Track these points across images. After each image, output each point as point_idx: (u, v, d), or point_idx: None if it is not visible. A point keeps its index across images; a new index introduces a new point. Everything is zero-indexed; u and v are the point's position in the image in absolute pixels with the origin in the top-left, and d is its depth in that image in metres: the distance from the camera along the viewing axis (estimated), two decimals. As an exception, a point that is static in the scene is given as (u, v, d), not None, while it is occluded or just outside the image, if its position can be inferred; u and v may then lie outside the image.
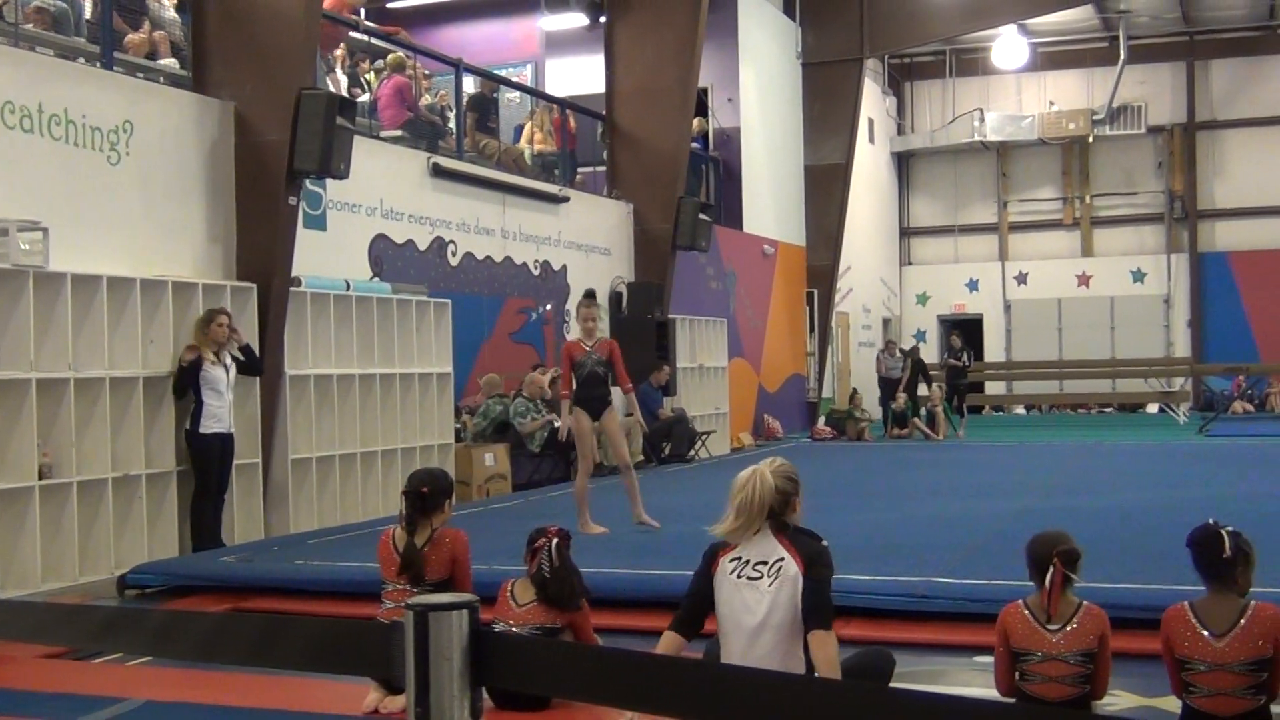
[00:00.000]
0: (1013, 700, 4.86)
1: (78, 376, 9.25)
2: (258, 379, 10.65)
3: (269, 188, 10.81)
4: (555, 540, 5.64)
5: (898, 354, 23.77)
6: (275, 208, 10.82)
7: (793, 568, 4.81)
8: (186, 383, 9.83)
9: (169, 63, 11.11)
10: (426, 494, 5.79)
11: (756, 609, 4.82)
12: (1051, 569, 4.79)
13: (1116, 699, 5.54)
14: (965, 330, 28.23)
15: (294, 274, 11.17)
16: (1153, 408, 27.09)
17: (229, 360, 10.06)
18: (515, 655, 2.57)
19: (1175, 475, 14.24)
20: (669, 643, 4.91)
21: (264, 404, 10.82)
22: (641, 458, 16.02)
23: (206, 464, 9.93)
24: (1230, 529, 4.71)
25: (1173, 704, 4.89)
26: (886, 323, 29.53)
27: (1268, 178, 28.09)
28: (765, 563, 4.85)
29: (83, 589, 8.98)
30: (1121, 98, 27.76)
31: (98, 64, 10.21)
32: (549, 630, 5.56)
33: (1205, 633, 4.59)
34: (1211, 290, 28.56)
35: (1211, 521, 4.76)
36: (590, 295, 10.72)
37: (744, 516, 4.87)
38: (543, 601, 5.62)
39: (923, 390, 22.63)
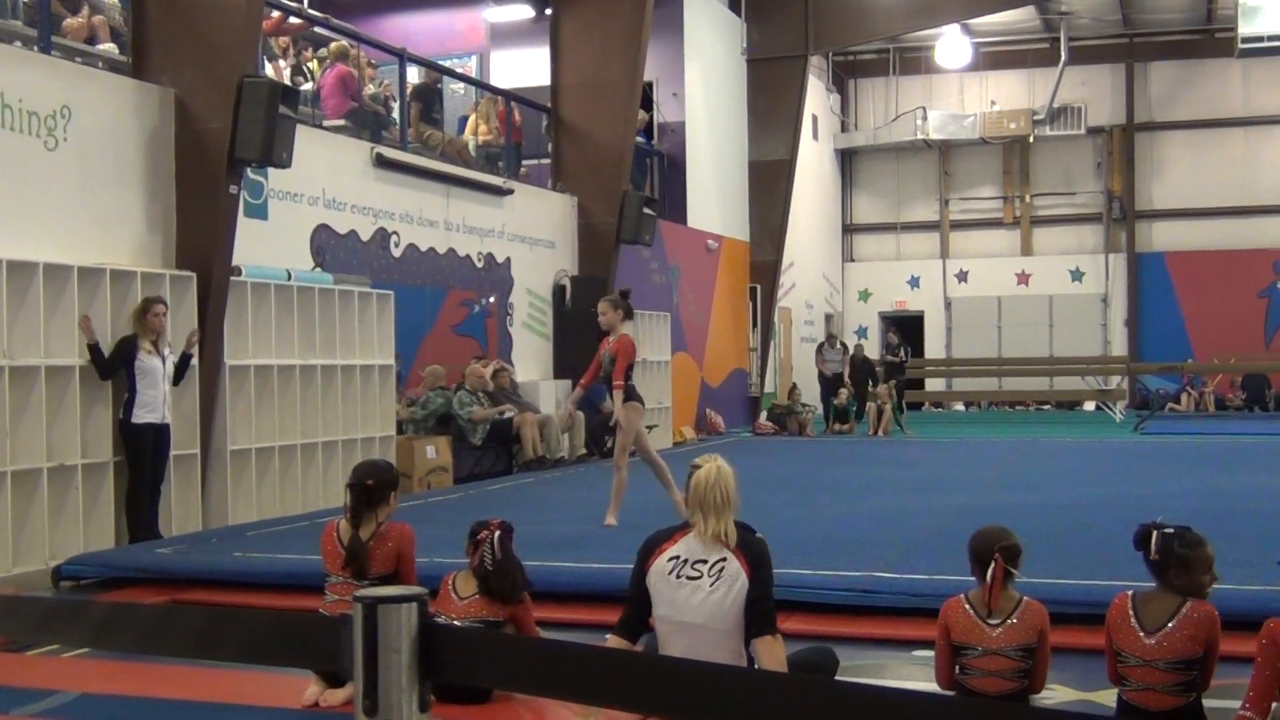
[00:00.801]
0: (953, 694, 4.91)
1: (12, 365, 9.11)
2: (196, 369, 10.55)
3: (209, 176, 10.70)
4: (498, 533, 5.62)
5: (838, 347, 23.90)
6: (216, 196, 10.72)
7: (736, 567, 4.71)
8: (116, 365, 9.71)
9: (108, 48, 10.96)
10: (372, 486, 5.76)
11: (697, 610, 4.72)
12: (993, 564, 4.84)
13: (1054, 693, 5.62)
14: (906, 327, 28.51)
15: (234, 263, 11.06)
16: (1090, 405, 27.42)
17: (166, 351, 9.95)
18: (464, 648, 2.57)
19: (1112, 472, 14.42)
20: (615, 647, 4.86)
21: (203, 394, 10.72)
22: (584, 451, 16.03)
23: (140, 454, 9.82)
24: (1170, 530, 4.75)
25: (1109, 698, 4.97)
26: (829, 319, 29.70)
27: (1204, 180, 28.53)
28: (705, 561, 4.75)
29: (16, 580, 8.86)
30: (1062, 98, 28.09)
31: (35, 48, 10.05)
32: (491, 623, 5.56)
33: (1138, 627, 4.64)
34: (1148, 290, 28.96)
35: (1155, 521, 4.81)
36: (608, 294, 10.71)
37: (721, 516, 4.76)
38: (485, 594, 5.61)
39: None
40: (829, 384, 23.39)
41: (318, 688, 5.60)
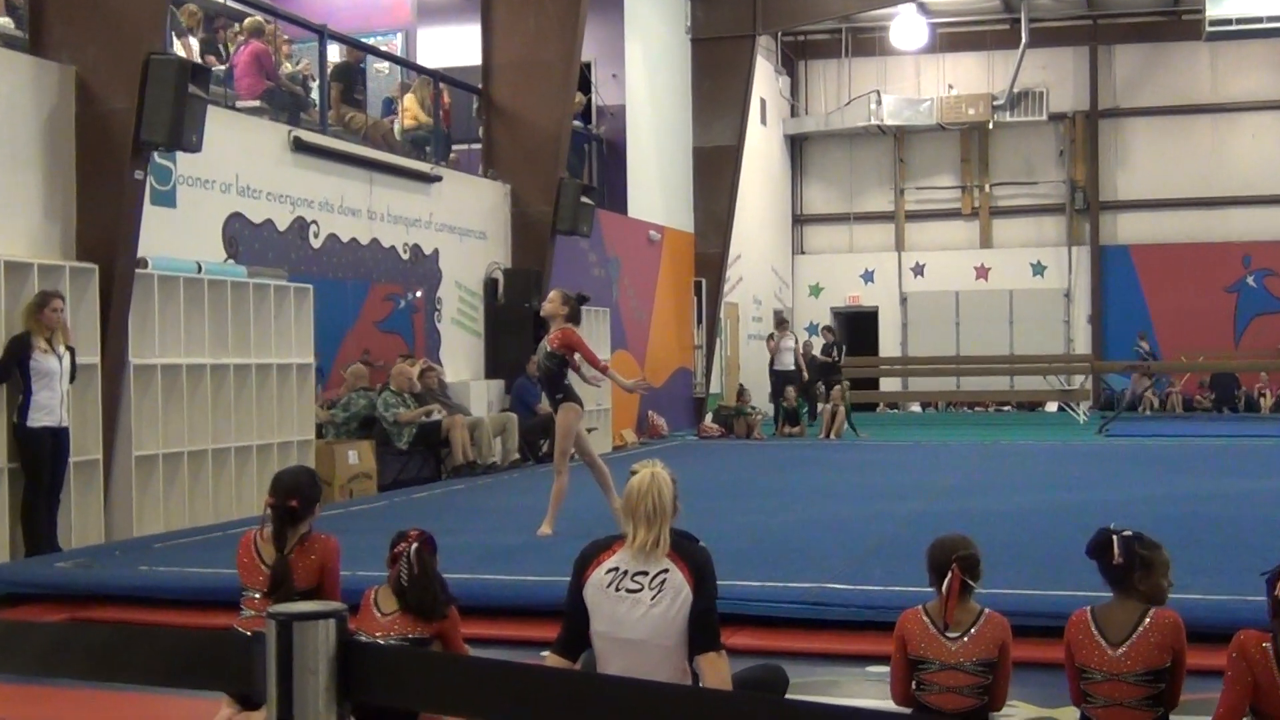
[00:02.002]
0: (909, 711, 4.94)
1: (-103, 364, 8.97)
2: (99, 367, 10.42)
3: (113, 160, 10.57)
4: (415, 545, 5.55)
5: (790, 336, 23.79)
6: (119, 182, 10.59)
7: (678, 579, 4.69)
8: (9, 366, 9.57)
9: (3, 22, 10.84)
10: (296, 508, 5.72)
11: (637, 625, 4.69)
12: (949, 575, 4.87)
13: (1015, 710, 5.66)
14: (859, 324, 28.67)
15: (140, 255, 10.94)
16: (1052, 406, 27.69)
17: (62, 350, 9.82)
18: (386, 668, 2.55)
19: (1076, 477, 14.57)
20: (553, 666, 4.84)
21: (105, 396, 10.59)
22: (517, 456, 16.00)
23: (36, 460, 9.68)
24: (1128, 533, 4.80)
25: (1072, 715, 5.01)
26: (778, 314, 29.81)
27: (1171, 169, 28.90)
28: (646, 573, 4.72)
29: (-99, 598, 8.71)
30: (1022, 83, 28.33)
31: (-78, 21, 9.91)
32: (417, 641, 5.51)
33: (1102, 641, 4.68)
34: (1113, 285, 29.30)
35: (1110, 526, 4.85)
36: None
37: (654, 526, 4.72)
38: (405, 611, 5.57)
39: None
40: (780, 379, 23.39)
41: (230, 710, 5.54)
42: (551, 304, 10.32)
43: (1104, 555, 4.77)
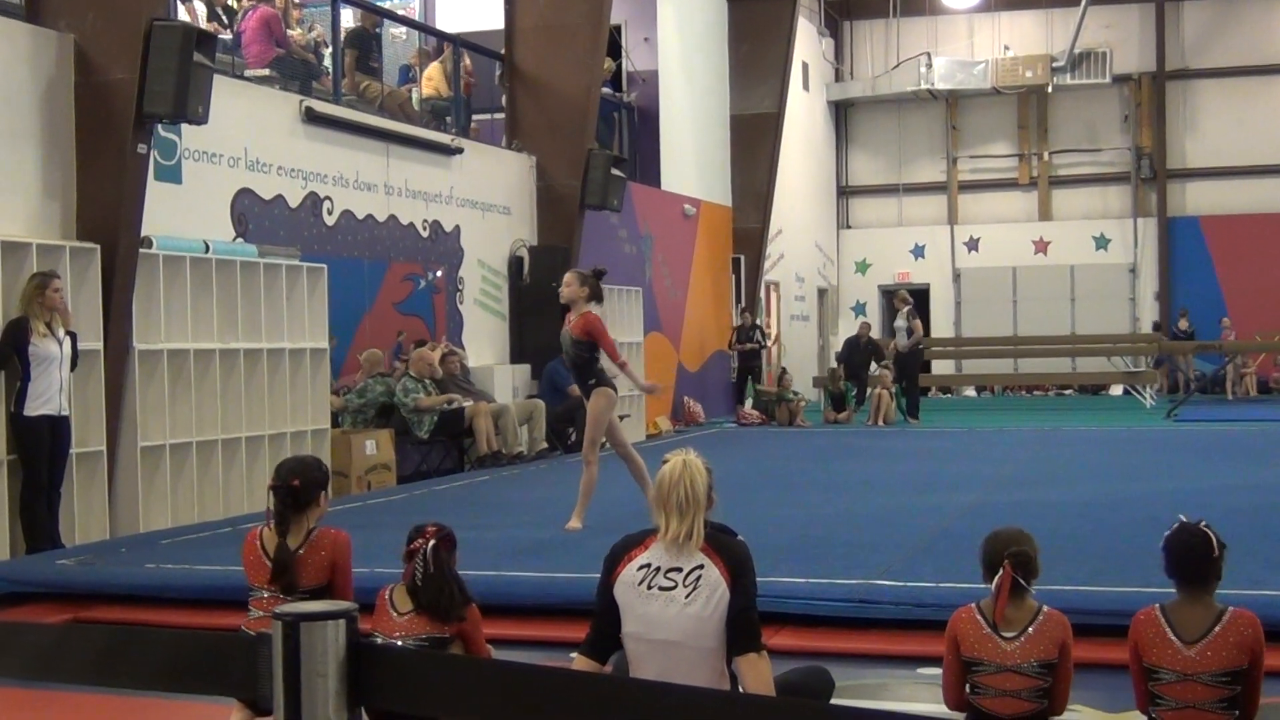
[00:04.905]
0: (963, 716, 4.91)
1: (-111, 351, 9.04)
2: (101, 353, 10.47)
3: (114, 134, 10.60)
4: (432, 542, 5.55)
5: (902, 315, 22.61)
6: (122, 157, 10.62)
7: (714, 576, 4.67)
8: (6, 352, 9.62)
9: (-3, -13, 10.87)
10: (298, 487, 5.70)
11: (670, 625, 4.67)
12: (1000, 572, 4.84)
13: (1077, 714, 5.63)
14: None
15: (144, 233, 10.98)
16: (1117, 389, 27.55)
17: (63, 334, 9.86)
18: (399, 670, 2.54)
19: (1142, 465, 14.49)
20: (582, 669, 4.83)
21: (109, 383, 10.64)
22: (545, 445, 16.01)
23: (34, 451, 9.72)
24: (1204, 524, 4.78)
25: (1138, 720, 4.98)
26: (822, 293, 29.74)
27: (1244, 134, 28.64)
28: (680, 570, 4.71)
29: (-104, 597, 8.79)
30: (1084, 43, 28.12)
31: (-88, -13, 9.96)
32: (436, 641, 5.51)
33: (1175, 639, 4.65)
34: (1182, 259, 29.08)
35: (1184, 519, 4.82)
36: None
37: (688, 517, 4.71)
38: (420, 611, 5.57)
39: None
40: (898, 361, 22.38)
41: (241, 715, 5.55)
42: (569, 288, 10.29)
43: (1198, 549, 4.71)
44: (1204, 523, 4.78)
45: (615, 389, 10.50)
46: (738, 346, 22.57)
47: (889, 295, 30.25)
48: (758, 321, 23.26)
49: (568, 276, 10.48)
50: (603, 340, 10.19)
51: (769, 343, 24.95)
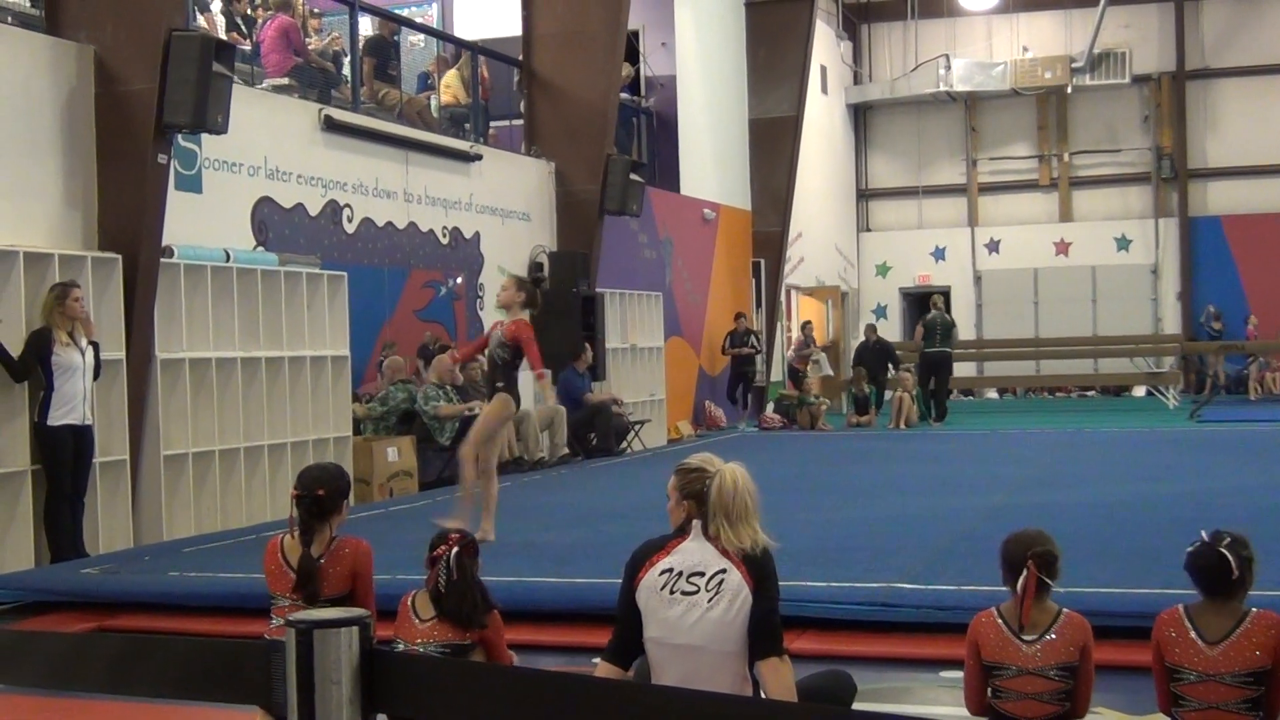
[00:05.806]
0: (985, 720, 4.90)
1: (-88, 362, 9.07)
2: (124, 362, 10.50)
3: (135, 144, 10.63)
4: (455, 549, 5.54)
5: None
6: (142, 167, 10.65)
7: (737, 580, 4.65)
8: (30, 363, 9.65)
9: (18, 0, 10.90)
10: (323, 497, 5.69)
11: (693, 630, 4.66)
12: (1025, 573, 4.82)
13: (1099, 717, 5.60)
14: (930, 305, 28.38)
15: (165, 243, 11.01)
16: (1140, 390, 27.44)
17: (85, 343, 9.89)
18: (414, 677, 2.53)
19: (1164, 466, 14.43)
20: (605, 675, 4.80)
21: (131, 393, 10.67)
22: (566, 451, 16.01)
23: (58, 460, 9.75)
24: (1228, 539, 4.73)
25: (1161, 722, 4.95)
26: (844, 296, 29.68)
27: (1265, 133, 28.49)
28: (703, 574, 4.69)
29: (-79, 607, 8.82)
30: (1103, 43, 28.03)
31: (-67, 0, 10.01)
32: (457, 648, 5.51)
33: (1198, 639, 4.64)
34: (1204, 259, 28.95)
35: (1207, 537, 4.76)
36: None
37: (734, 526, 4.69)
38: (443, 617, 5.56)
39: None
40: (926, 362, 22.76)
41: (263, 723, 5.55)
42: (506, 292, 10.40)
43: (1218, 571, 4.68)
44: (1226, 541, 4.72)
45: (519, 404, 10.57)
46: (731, 352, 22.46)
47: (909, 298, 30.27)
48: (753, 327, 23.19)
49: (506, 280, 10.63)
50: (529, 349, 10.19)
51: (808, 350, 24.67)
